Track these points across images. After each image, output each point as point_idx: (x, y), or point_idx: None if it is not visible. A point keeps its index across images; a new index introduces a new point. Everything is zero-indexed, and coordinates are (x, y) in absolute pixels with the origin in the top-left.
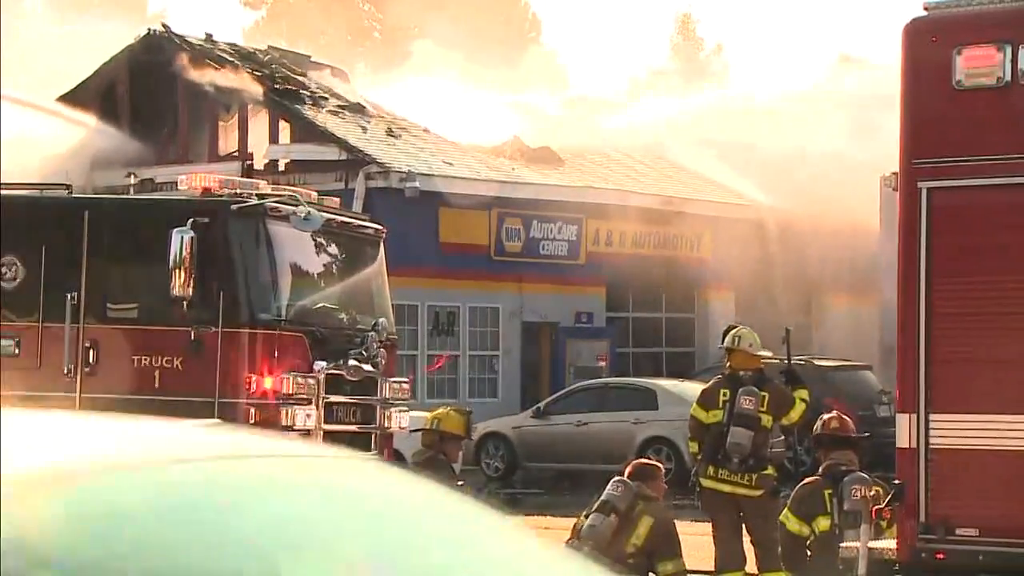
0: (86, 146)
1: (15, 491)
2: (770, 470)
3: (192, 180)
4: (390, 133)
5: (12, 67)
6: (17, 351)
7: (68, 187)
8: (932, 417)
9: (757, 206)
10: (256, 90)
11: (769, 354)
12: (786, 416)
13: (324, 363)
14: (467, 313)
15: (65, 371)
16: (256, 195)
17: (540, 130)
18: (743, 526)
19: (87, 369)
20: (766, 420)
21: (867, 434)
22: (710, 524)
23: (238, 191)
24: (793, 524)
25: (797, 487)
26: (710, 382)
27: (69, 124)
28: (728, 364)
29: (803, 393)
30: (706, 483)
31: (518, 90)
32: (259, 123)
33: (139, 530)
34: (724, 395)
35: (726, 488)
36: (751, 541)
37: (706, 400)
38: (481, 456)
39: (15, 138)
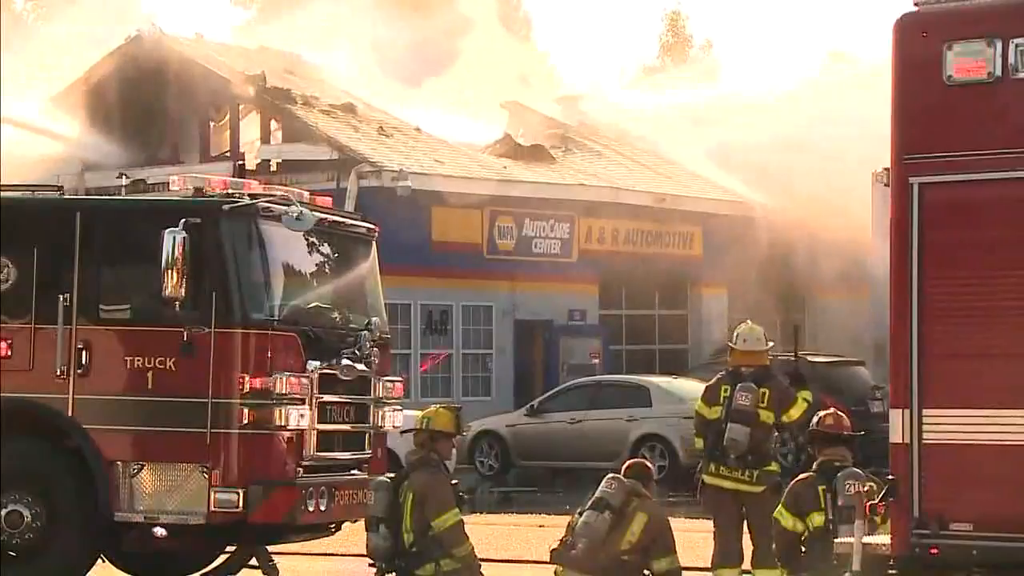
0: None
1: None
2: (773, 466)
3: (183, 181)
4: (382, 132)
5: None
6: (9, 353)
7: (59, 188)
8: (925, 412)
9: (749, 202)
10: (247, 90)
11: (770, 346)
12: (787, 413)
13: (317, 363)
14: (460, 312)
15: (57, 372)
16: (248, 195)
17: (531, 128)
18: (744, 523)
19: (80, 371)
20: (766, 416)
21: (862, 432)
22: (711, 520)
23: (230, 191)
24: (787, 520)
25: (791, 483)
26: (713, 378)
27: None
28: (730, 360)
29: (806, 393)
30: (708, 479)
31: (509, 88)
32: (250, 123)
33: None
34: (725, 391)
35: (728, 484)
36: (751, 537)
37: (709, 396)
38: (475, 455)
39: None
